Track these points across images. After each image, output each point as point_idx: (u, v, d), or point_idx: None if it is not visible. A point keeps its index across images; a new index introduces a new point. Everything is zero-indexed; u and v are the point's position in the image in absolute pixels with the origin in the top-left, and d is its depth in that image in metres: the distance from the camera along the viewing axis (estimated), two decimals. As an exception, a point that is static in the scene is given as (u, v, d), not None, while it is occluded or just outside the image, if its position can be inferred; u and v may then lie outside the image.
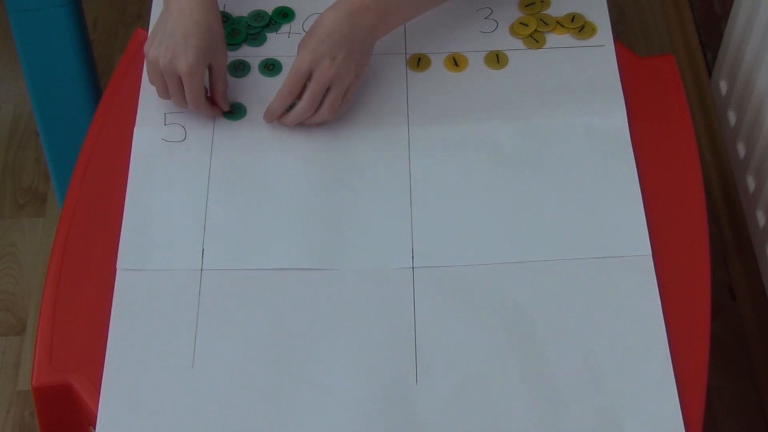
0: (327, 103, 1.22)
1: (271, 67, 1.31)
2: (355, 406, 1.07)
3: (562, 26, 1.33)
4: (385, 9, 1.23)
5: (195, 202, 1.20)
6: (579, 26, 1.33)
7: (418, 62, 1.31)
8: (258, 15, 1.35)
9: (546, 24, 1.34)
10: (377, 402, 1.08)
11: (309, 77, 1.21)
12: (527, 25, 1.33)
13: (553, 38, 1.33)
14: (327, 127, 1.26)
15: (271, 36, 1.34)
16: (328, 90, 1.21)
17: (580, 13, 1.34)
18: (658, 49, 2.02)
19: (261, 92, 1.29)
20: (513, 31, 1.33)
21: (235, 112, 1.27)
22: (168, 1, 1.23)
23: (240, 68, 1.31)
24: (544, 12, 1.35)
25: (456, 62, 1.31)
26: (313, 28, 1.21)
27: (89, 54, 1.58)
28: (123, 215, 1.19)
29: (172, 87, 1.22)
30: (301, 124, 1.24)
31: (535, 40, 1.33)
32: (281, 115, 1.24)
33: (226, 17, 1.35)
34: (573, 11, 1.34)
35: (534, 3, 1.35)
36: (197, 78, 1.20)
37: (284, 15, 1.35)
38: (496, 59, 1.31)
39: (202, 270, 1.16)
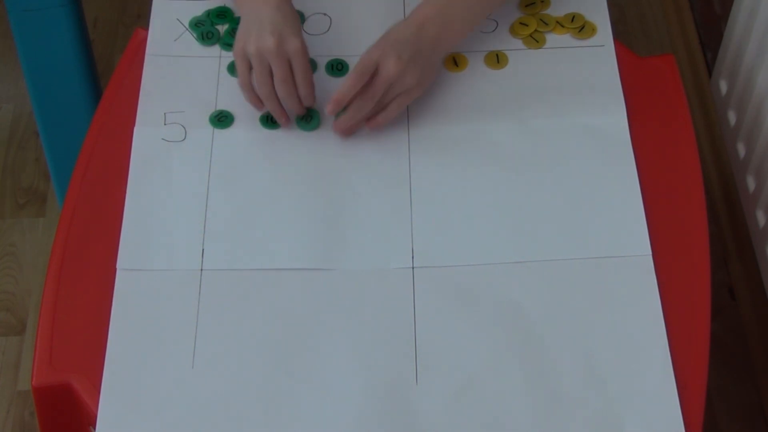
0: (393, 103, 1.22)
1: (271, 67, 1.31)
2: (355, 406, 1.07)
3: (562, 26, 1.33)
4: (447, 20, 1.23)
5: (195, 202, 1.20)
6: (579, 26, 1.33)
7: (418, 62, 1.31)
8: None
9: (546, 24, 1.34)
10: (377, 402, 1.08)
11: (372, 75, 1.20)
12: (527, 25, 1.33)
13: (553, 38, 1.33)
14: (326, 127, 1.26)
15: (271, 36, 1.34)
16: (387, 93, 1.21)
17: (580, 13, 1.34)
18: (658, 49, 2.02)
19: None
20: (513, 31, 1.33)
21: (308, 119, 1.26)
22: (247, 2, 1.23)
23: (240, 68, 1.30)
24: (544, 12, 1.35)
25: (456, 62, 1.31)
26: (382, 36, 1.22)
27: (89, 54, 1.58)
28: (123, 215, 1.19)
29: (283, 72, 1.20)
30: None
31: (535, 40, 1.33)
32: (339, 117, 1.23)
33: (225, 13, 1.35)
34: (573, 11, 1.34)
35: (534, 3, 1.35)
36: (307, 56, 1.21)
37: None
38: (496, 59, 1.31)
39: (202, 270, 1.16)
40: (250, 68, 1.22)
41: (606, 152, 1.24)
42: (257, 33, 1.20)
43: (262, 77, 1.21)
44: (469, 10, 1.26)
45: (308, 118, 1.26)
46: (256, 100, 1.24)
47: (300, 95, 1.23)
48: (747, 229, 1.62)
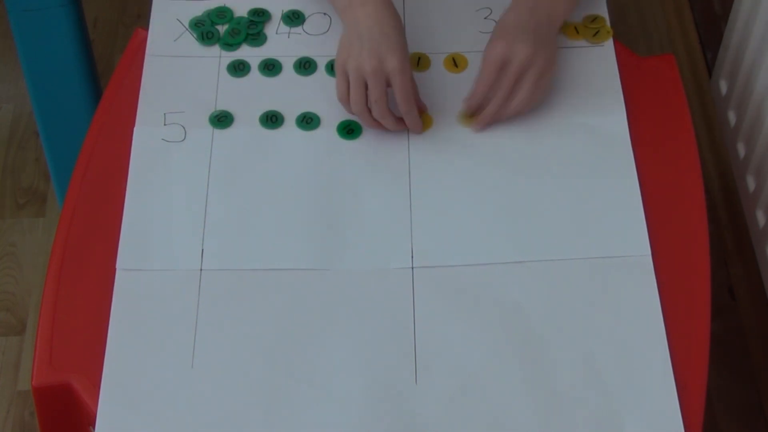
0: (525, 88, 1.22)
1: (271, 67, 1.31)
2: (355, 406, 1.07)
3: (577, 32, 1.33)
4: None
5: (195, 202, 1.20)
6: (595, 29, 1.33)
7: (418, 62, 1.31)
8: (258, 12, 1.35)
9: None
10: (377, 402, 1.08)
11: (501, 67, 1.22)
12: None
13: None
14: (326, 127, 1.26)
15: (271, 36, 1.34)
16: (521, 79, 1.22)
17: (590, 14, 1.34)
18: (658, 49, 2.02)
19: (261, 92, 1.29)
20: None
21: (308, 120, 1.26)
22: (348, 11, 1.22)
23: (240, 68, 1.31)
24: None
25: (456, 62, 1.31)
26: (497, 27, 1.24)
27: (89, 54, 1.58)
28: (123, 215, 1.19)
29: (377, 93, 1.19)
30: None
31: None
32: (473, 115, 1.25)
33: (225, 13, 1.35)
34: (587, 13, 1.34)
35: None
36: (410, 74, 1.20)
37: (295, 17, 1.36)
38: (496, 59, 1.31)
39: (201, 270, 1.16)
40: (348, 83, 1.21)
41: (606, 152, 1.24)
42: (357, 51, 1.19)
43: (356, 96, 1.21)
44: None
45: (308, 119, 1.26)
46: (355, 114, 1.23)
47: (401, 113, 1.22)
48: (747, 229, 1.62)
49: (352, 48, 1.20)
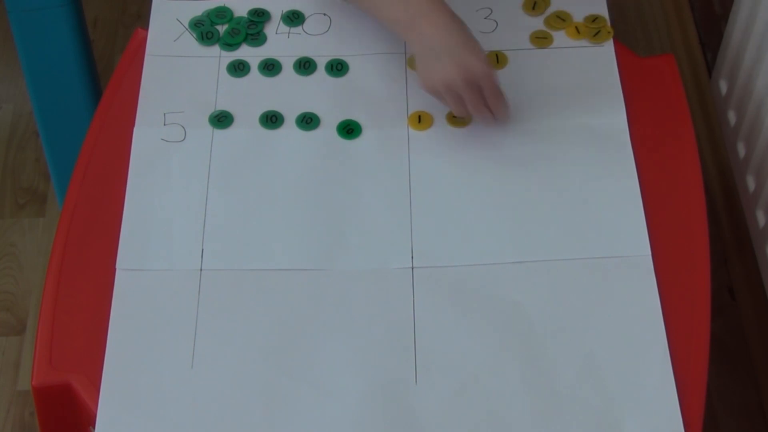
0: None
1: (270, 67, 1.31)
2: (355, 406, 1.07)
3: (578, 32, 1.33)
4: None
5: (195, 202, 1.20)
6: (596, 29, 1.33)
7: (418, 62, 1.31)
8: (258, 12, 1.35)
9: (563, 20, 1.33)
10: (377, 402, 1.08)
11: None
12: (546, 38, 1.33)
13: (557, 38, 1.33)
14: (326, 127, 1.26)
15: (271, 36, 1.34)
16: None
17: (597, 14, 1.34)
18: (658, 49, 2.01)
19: (261, 92, 1.29)
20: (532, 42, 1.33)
21: (308, 120, 1.26)
22: (411, 28, 1.19)
23: (240, 68, 1.31)
24: (559, 10, 1.34)
25: (456, 62, 1.31)
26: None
27: (89, 54, 1.58)
28: (123, 215, 1.19)
29: (476, 101, 1.19)
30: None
31: (543, 38, 1.32)
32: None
33: (224, 13, 1.35)
34: (574, 11, 1.34)
35: (536, 4, 1.35)
36: (495, 73, 1.19)
37: (294, 17, 1.36)
38: (496, 59, 1.31)
39: (201, 270, 1.16)
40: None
41: (606, 152, 1.24)
42: (439, 66, 1.18)
43: (458, 108, 1.21)
44: None
45: (308, 119, 1.26)
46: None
47: (493, 109, 1.22)
48: (747, 229, 1.62)
49: (431, 64, 1.18)
